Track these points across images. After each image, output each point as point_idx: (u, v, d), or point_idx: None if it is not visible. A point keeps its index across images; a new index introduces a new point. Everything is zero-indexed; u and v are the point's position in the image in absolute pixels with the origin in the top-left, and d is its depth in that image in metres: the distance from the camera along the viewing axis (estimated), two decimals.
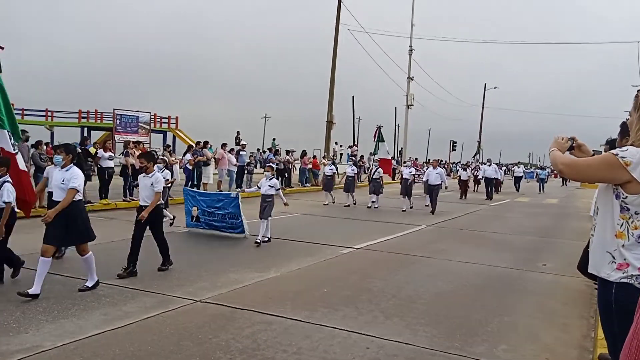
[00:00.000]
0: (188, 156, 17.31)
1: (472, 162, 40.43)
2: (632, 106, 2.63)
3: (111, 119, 29.42)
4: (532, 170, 54.30)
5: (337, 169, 23.40)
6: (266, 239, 9.36)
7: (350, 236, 10.44)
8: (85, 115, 34.08)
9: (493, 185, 23.69)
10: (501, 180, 27.64)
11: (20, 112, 32.79)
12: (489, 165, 24.48)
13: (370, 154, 24.57)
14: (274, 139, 32.13)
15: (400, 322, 5.17)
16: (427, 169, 18.29)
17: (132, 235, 6.74)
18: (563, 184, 40.65)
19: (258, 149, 33.07)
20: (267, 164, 11.20)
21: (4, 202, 5.87)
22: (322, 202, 17.17)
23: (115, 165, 14.51)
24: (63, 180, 5.73)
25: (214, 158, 18.53)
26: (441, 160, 44.60)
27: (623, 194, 2.53)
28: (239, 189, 15.96)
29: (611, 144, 4.84)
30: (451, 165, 51.13)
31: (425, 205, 16.51)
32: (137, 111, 28.50)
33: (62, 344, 4.28)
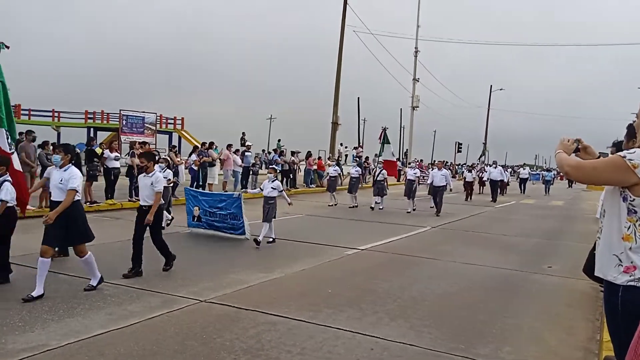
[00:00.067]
0: (193, 157, 17.36)
1: (478, 163, 40.32)
2: (639, 108, 2.62)
3: (117, 120, 29.61)
4: (538, 172, 54.07)
5: (341, 170, 23.39)
6: (271, 239, 9.36)
7: (355, 237, 10.43)
8: (92, 116, 34.26)
9: (498, 187, 23.61)
10: (507, 182, 27.54)
11: (27, 112, 33.04)
12: (495, 167, 24.40)
13: (376, 155, 24.56)
14: (279, 140, 32.11)
15: (405, 324, 5.17)
16: (432, 170, 18.23)
17: (133, 236, 6.73)
18: (569, 186, 40.47)
19: (263, 150, 33.09)
20: (270, 166, 11.16)
21: (0, 200, 5.90)
22: (327, 203, 17.17)
23: (121, 166, 14.58)
24: (61, 180, 5.71)
25: (219, 159, 18.57)
26: (446, 162, 44.54)
27: (630, 197, 2.51)
28: (243, 190, 15.95)
29: (618, 146, 4.81)
30: (456, 167, 51.02)
31: (430, 207, 16.47)
32: (143, 112, 28.65)
33: (67, 343, 4.30)
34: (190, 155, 18.02)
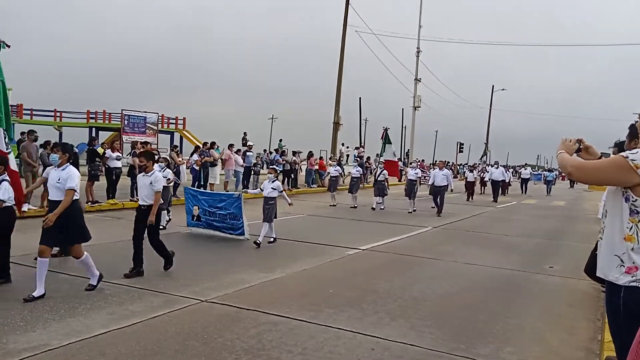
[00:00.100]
0: (195, 157, 17.37)
1: (479, 164, 40.28)
2: None
3: (119, 120, 29.61)
4: (539, 172, 54.02)
5: (343, 170, 23.39)
6: (272, 239, 9.35)
7: (356, 237, 10.43)
8: (94, 116, 34.28)
9: (499, 187, 23.59)
10: (508, 182, 27.51)
11: (29, 112, 33.10)
12: (497, 168, 24.38)
13: (377, 155, 24.55)
14: (280, 140, 32.15)
15: (406, 324, 5.16)
16: (433, 170, 18.21)
17: (132, 236, 6.72)
18: (571, 186, 40.42)
19: (265, 150, 33.10)
20: (271, 166, 11.10)
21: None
22: (329, 203, 17.16)
23: (122, 166, 14.59)
24: (59, 180, 5.65)
25: (221, 159, 18.58)
26: (448, 162, 44.49)
27: (633, 197, 2.51)
28: (243, 190, 15.92)
29: (619, 147, 4.80)
30: (458, 167, 50.98)
31: (432, 207, 16.45)
32: (145, 112, 28.65)
33: (68, 343, 4.30)
34: (191, 155, 18.03)
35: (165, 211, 10.58)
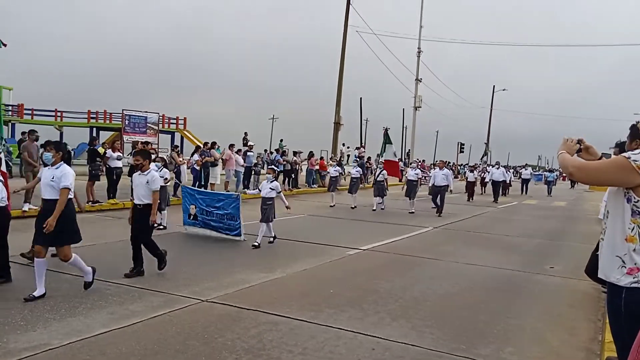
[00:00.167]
0: (196, 157, 17.37)
1: (480, 164, 40.25)
2: None
3: (120, 120, 29.61)
4: (540, 172, 53.98)
5: (343, 170, 23.37)
6: (271, 239, 9.32)
7: (357, 237, 10.42)
8: (95, 116, 34.31)
9: (500, 187, 23.58)
10: (509, 182, 27.49)
11: (30, 112, 33.12)
12: (497, 168, 24.36)
13: (378, 155, 24.55)
14: (281, 140, 32.14)
15: (407, 324, 5.16)
16: (433, 170, 18.19)
17: (130, 236, 6.71)
18: (571, 187, 40.41)
19: (265, 150, 33.10)
20: (269, 167, 11.02)
21: None
22: (329, 204, 17.14)
23: (123, 165, 14.59)
24: (53, 178, 5.56)
25: (222, 159, 18.58)
26: (448, 162, 44.47)
27: (635, 198, 2.50)
28: (242, 191, 15.90)
29: (621, 147, 4.80)
30: (459, 168, 50.95)
31: (432, 208, 16.43)
32: (146, 112, 28.65)
33: (69, 342, 4.30)
34: (192, 155, 18.04)
35: (165, 211, 10.57)
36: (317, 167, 24.39)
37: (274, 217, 9.37)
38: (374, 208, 16.42)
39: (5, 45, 7.41)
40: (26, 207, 11.06)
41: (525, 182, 30.67)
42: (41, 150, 12.90)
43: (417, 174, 17.19)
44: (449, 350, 4.48)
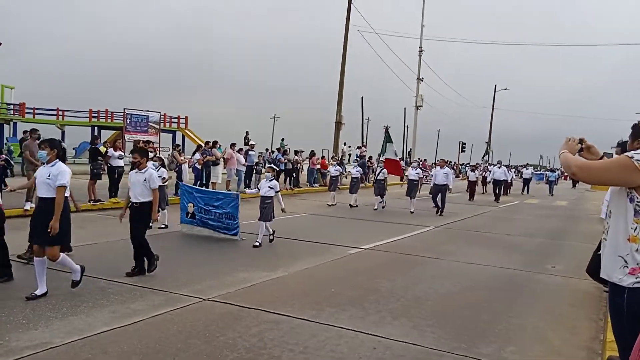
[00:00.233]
0: (197, 156, 17.37)
1: (481, 163, 40.20)
2: None
3: (121, 119, 29.65)
4: (541, 172, 53.92)
5: (344, 169, 23.33)
6: (270, 237, 9.23)
7: (358, 236, 10.42)
8: (96, 115, 34.34)
9: (501, 187, 23.55)
10: (510, 182, 27.47)
11: (31, 111, 33.16)
12: (499, 167, 24.34)
13: (379, 154, 24.52)
14: (282, 139, 32.11)
15: (408, 323, 5.16)
16: (435, 169, 18.17)
17: (130, 235, 6.70)
18: (573, 186, 40.35)
19: (267, 149, 33.11)
20: (268, 165, 10.95)
21: None
22: (328, 203, 17.03)
23: (125, 164, 14.60)
24: (49, 176, 5.52)
25: (223, 158, 18.58)
26: (450, 161, 44.40)
27: (637, 198, 2.49)
28: (241, 190, 15.87)
29: (622, 147, 4.79)
30: (460, 167, 50.89)
31: (432, 207, 16.40)
32: (147, 111, 28.67)
33: (70, 341, 4.31)
34: (193, 154, 18.04)
35: (166, 210, 10.56)
36: (318, 166, 24.40)
37: (273, 217, 9.30)
38: (375, 207, 16.40)
39: (0, 43, 7.39)
40: (28, 205, 11.07)
41: (526, 181, 30.65)
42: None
43: (417, 174, 17.17)
44: (450, 350, 4.47)
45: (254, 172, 20.05)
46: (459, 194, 22.61)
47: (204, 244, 9.28)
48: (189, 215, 10.20)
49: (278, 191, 9.47)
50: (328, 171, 20.35)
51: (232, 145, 19.26)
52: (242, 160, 19.00)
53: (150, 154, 8.83)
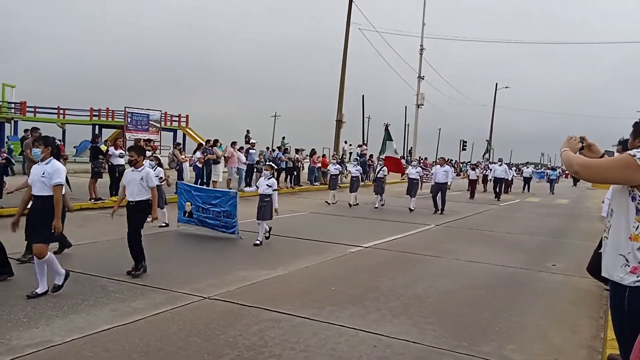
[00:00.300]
0: (198, 154, 17.38)
1: (482, 161, 40.17)
2: None
3: (122, 117, 29.68)
4: (542, 170, 53.88)
5: (345, 168, 23.30)
6: (267, 234, 9.15)
7: (359, 235, 10.42)
8: (97, 113, 34.35)
9: (502, 185, 23.53)
10: (510, 180, 27.45)
11: (32, 109, 33.16)
12: (500, 165, 24.32)
13: (380, 153, 24.49)
14: (283, 138, 32.12)
15: (408, 321, 5.16)
16: (435, 167, 18.15)
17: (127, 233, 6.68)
18: (574, 185, 40.32)
19: (267, 148, 33.12)
20: (267, 163, 10.90)
21: None
22: (328, 201, 16.99)
23: (125, 163, 14.58)
24: (43, 174, 5.49)
25: (224, 156, 18.59)
26: (450, 159, 44.36)
27: (639, 196, 2.49)
28: (239, 189, 15.84)
29: (624, 145, 4.78)
30: (461, 165, 50.86)
31: (432, 207, 16.33)
32: (148, 109, 28.68)
33: (71, 339, 4.32)
34: (194, 152, 18.05)
35: (165, 209, 10.54)
36: (319, 164, 24.39)
37: (271, 217, 9.30)
38: (376, 206, 16.39)
39: None
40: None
41: (526, 180, 30.63)
42: None
43: (418, 172, 17.17)
44: (451, 348, 4.48)
45: (255, 170, 20.05)
46: (459, 192, 22.60)
47: (204, 242, 9.28)
48: (186, 214, 10.16)
49: (276, 189, 9.40)
50: (328, 170, 20.34)
51: (233, 143, 19.26)
52: (243, 158, 19.00)
53: (147, 153, 8.81)
